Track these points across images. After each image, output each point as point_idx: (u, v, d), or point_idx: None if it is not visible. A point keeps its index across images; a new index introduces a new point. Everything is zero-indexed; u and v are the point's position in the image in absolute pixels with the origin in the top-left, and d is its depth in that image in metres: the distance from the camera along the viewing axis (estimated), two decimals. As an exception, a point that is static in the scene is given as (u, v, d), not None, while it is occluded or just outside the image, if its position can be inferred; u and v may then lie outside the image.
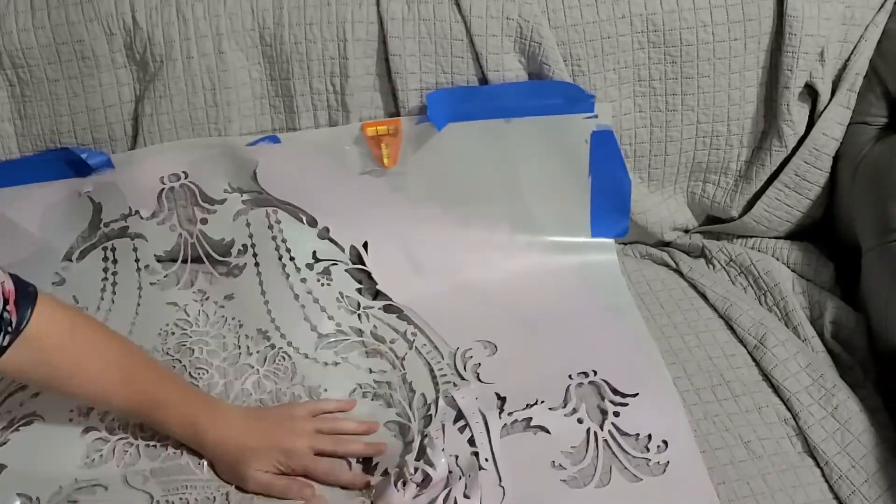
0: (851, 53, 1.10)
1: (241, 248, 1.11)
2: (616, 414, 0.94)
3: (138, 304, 1.09)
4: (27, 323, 0.82)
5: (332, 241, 1.12)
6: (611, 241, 1.17)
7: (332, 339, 1.06)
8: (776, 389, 0.98)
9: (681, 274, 1.15)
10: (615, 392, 0.97)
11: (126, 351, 0.93)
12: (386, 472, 0.90)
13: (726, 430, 0.94)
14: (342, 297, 1.09)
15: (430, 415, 0.96)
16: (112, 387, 0.89)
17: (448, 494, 0.86)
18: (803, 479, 0.90)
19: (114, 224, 1.11)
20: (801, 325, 1.05)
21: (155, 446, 0.93)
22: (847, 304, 1.07)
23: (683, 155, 1.14)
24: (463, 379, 1.00)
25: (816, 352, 1.03)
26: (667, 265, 1.17)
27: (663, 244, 1.22)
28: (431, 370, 1.01)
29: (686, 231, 1.22)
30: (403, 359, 1.03)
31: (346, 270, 1.11)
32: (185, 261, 1.11)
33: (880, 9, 1.09)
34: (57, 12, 1.05)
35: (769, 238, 1.18)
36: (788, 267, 1.14)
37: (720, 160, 1.15)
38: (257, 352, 1.04)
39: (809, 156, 1.12)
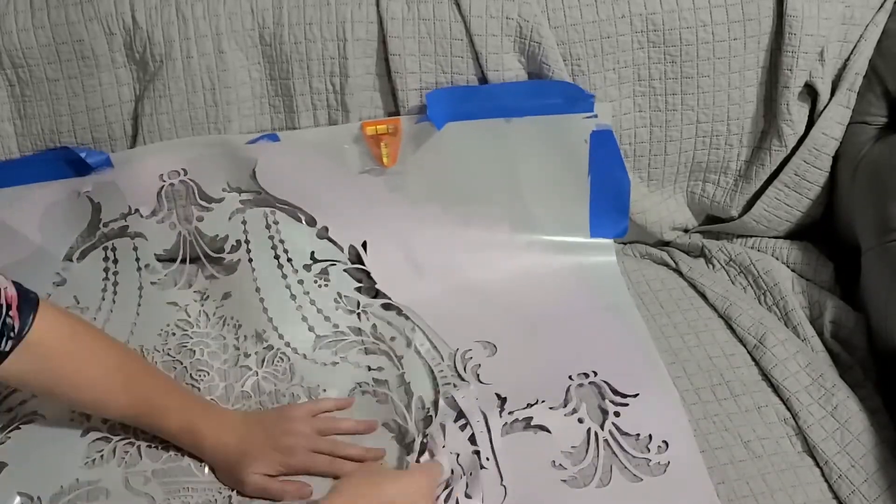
0: (851, 53, 1.10)
1: (235, 244, 1.10)
2: (616, 414, 0.94)
3: (139, 305, 1.09)
4: (29, 328, 0.82)
5: (330, 240, 1.11)
6: (610, 241, 1.17)
7: (330, 339, 1.06)
8: (776, 389, 0.98)
9: (680, 274, 1.15)
10: (615, 392, 0.97)
11: (126, 358, 0.93)
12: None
13: (726, 430, 0.94)
14: (340, 298, 1.09)
15: (430, 416, 0.96)
16: (112, 394, 0.90)
17: (450, 494, 0.86)
18: (803, 479, 0.90)
19: (113, 224, 1.11)
20: (801, 325, 1.05)
21: (156, 447, 0.94)
22: (847, 303, 1.07)
23: (683, 154, 1.14)
24: (463, 380, 0.99)
25: (816, 351, 1.03)
26: (666, 265, 1.17)
27: (663, 244, 1.22)
28: (431, 371, 1.01)
29: (686, 231, 1.22)
30: (402, 358, 1.03)
31: (344, 270, 1.11)
32: (183, 261, 1.11)
33: (880, 8, 1.09)
34: (57, 12, 1.05)
35: (769, 238, 1.18)
36: (788, 266, 1.14)
37: (720, 160, 1.15)
38: (255, 353, 1.04)
39: (809, 155, 1.12)
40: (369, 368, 1.03)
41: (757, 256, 1.14)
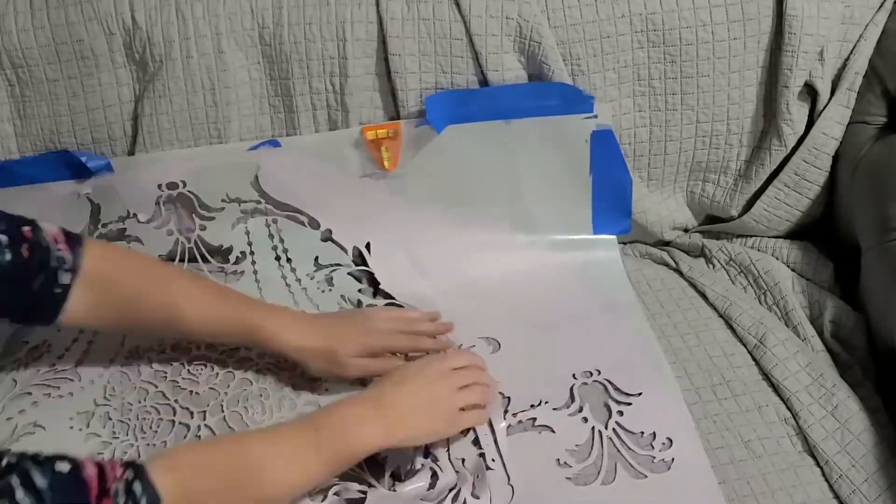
0: (851, 53, 1.10)
1: (240, 255, 1.11)
2: (620, 413, 0.94)
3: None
4: (82, 258, 0.85)
5: (334, 242, 1.12)
6: (613, 237, 1.17)
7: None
8: (776, 389, 0.98)
9: (680, 273, 1.15)
10: (619, 391, 0.97)
11: (178, 271, 0.99)
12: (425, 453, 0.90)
13: (726, 430, 0.94)
14: (344, 300, 1.09)
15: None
16: (186, 301, 0.92)
17: (457, 495, 0.86)
18: (803, 479, 0.90)
19: (112, 225, 1.10)
20: (801, 325, 1.05)
21: (156, 447, 0.93)
22: (846, 303, 1.07)
23: (683, 154, 1.15)
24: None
25: (816, 351, 1.03)
26: (666, 264, 1.17)
27: (663, 243, 1.22)
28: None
29: (686, 230, 1.22)
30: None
31: (348, 273, 1.11)
32: (182, 261, 1.11)
33: (880, 8, 1.09)
34: (56, 12, 1.05)
35: (769, 237, 1.18)
36: (788, 266, 1.14)
37: (720, 159, 1.15)
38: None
39: (809, 155, 1.12)
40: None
41: (757, 256, 1.14)
